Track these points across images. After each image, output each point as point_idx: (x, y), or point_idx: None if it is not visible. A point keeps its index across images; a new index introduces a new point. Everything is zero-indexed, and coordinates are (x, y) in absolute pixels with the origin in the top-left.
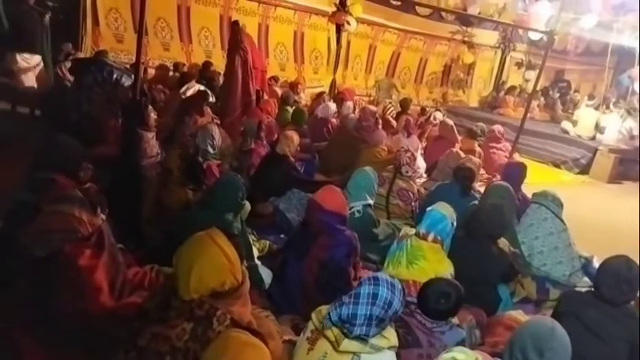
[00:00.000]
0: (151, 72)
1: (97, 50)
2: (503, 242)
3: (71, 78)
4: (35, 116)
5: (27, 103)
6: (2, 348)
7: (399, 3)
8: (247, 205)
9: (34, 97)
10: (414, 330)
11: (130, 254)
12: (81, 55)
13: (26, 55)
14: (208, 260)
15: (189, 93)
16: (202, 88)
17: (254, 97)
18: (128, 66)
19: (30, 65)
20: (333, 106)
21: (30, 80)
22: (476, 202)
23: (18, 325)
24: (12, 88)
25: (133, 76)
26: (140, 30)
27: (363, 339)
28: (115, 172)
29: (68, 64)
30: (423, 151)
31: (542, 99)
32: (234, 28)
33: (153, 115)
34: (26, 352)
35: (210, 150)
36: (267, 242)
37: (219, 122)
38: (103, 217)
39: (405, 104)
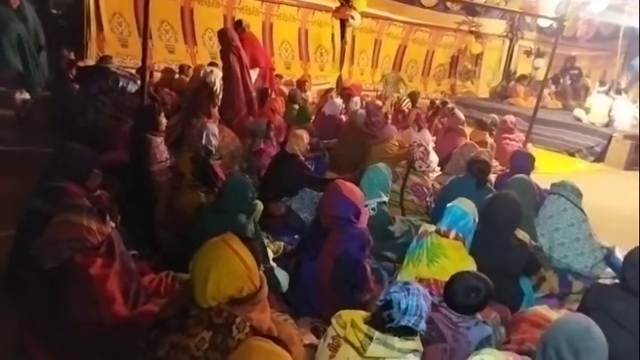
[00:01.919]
0: (157, 75)
1: (102, 55)
2: (523, 235)
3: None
4: (43, 123)
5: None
6: (15, 357)
7: None
8: (259, 206)
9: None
10: (438, 324)
11: (144, 261)
12: (88, 61)
13: None
14: (225, 266)
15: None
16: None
17: (254, 95)
18: (134, 70)
19: None
20: (339, 102)
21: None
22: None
23: (32, 335)
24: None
25: (138, 82)
26: (145, 34)
27: (388, 344)
28: (126, 178)
29: (72, 70)
30: (434, 145)
31: (553, 87)
32: (220, 31)
33: (163, 120)
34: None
35: (212, 150)
36: (282, 243)
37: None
38: (113, 225)
39: (413, 98)
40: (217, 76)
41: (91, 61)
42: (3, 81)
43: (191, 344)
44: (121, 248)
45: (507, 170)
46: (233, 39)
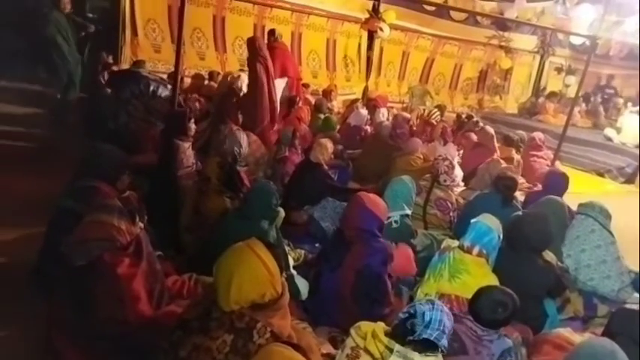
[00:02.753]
0: (187, 81)
1: (135, 60)
2: (550, 256)
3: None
4: (76, 123)
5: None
6: (43, 353)
7: (434, 8)
8: (281, 212)
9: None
10: (461, 336)
11: (168, 262)
12: (122, 65)
13: None
14: (248, 271)
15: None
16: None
17: (277, 105)
18: (165, 76)
19: None
20: (365, 112)
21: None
22: (519, 213)
23: (59, 331)
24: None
25: (169, 87)
26: (179, 41)
27: (408, 358)
28: (153, 180)
29: (105, 74)
30: (459, 160)
31: (583, 105)
32: (250, 39)
33: (192, 126)
34: (65, 356)
35: (238, 156)
36: (303, 251)
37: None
38: (142, 225)
39: (440, 111)
40: (244, 81)
41: (124, 66)
42: (40, 80)
43: (213, 346)
44: (148, 249)
45: (537, 188)
46: (261, 48)
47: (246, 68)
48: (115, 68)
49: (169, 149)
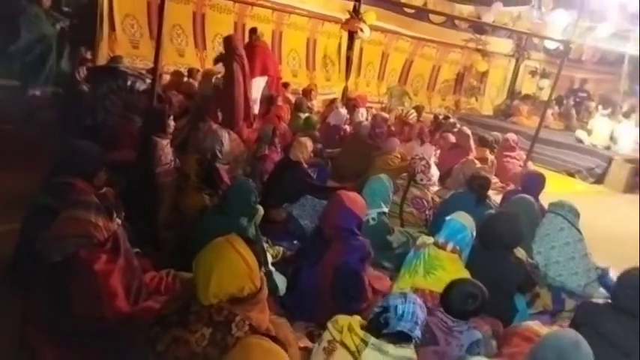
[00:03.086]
0: (166, 77)
1: (113, 56)
2: (521, 253)
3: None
4: (51, 120)
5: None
6: (18, 349)
7: (413, 11)
8: (260, 210)
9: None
10: (432, 327)
11: (146, 259)
12: (98, 61)
13: None
14: (227, 266)
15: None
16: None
17: (253, 103)
18: (144, 71)
19: None
20: (344, 112)
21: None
22: (492, 211)
23: (35, 328)
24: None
25: (147, 80)
26: (159, 37)
27: (382, 350)
28: (131, 177)
29: (83, 69)
30: (436, 160)
31: (556, 107)
32: (226, 37)
33: (171, 123)
34: (40, 352)
35: (219, 154)
36: (281, 249)
37: None
38: (119, 222)
39: (417, 112)
40: None
41: (102, 61)
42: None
43: (192, 339)
44: (125, 245)
45: (511, 188)
46: (237, 47)
47: None
48: (91, 64)
49: (147, 146)
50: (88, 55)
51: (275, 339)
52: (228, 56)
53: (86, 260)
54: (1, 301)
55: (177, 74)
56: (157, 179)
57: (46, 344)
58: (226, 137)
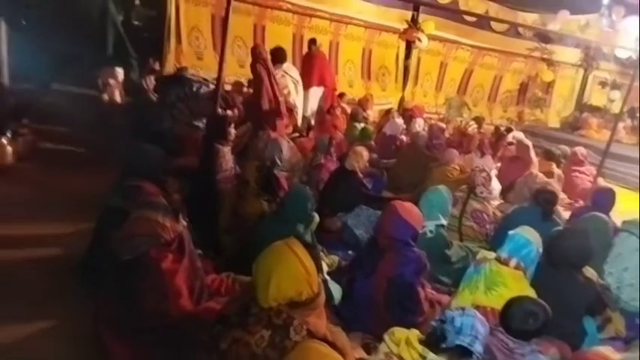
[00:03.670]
0: (227, 88)
1: (179, 67)
2: (590, 272)
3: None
4: (122, 127)
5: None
6: (91, 345)
7: (474, 19)
8: (316, 217)
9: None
10: (492, 349)
11: (208, 261)
12: (165, 72)
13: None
14: (287, 270)
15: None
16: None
17: (282, 106)
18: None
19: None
20: (400, 122)
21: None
22: (559, 228)
23: (106, 324)
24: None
25: (210, 85)
26: (223, 48)
27: None
28: (194, 183)
29: (151, 78)
30: (497, 172)
31: (629, 121)
32: (252, 48)
33: (232, 131)
34: (111, 347)
35: (279, 162)
36: (337, 258)
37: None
38: (185, 223)
39: (477, 123)
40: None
41: (169, 72)
42: (92, 84)
43: (251, 341)
44: (190, 246)
45: (580, 204)
46: (261, 53)
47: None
48: (159, 74)
49: (209, 153)
50: (156, 66)
51: (333, 345)
52: (254, 62)
53: (155, 259)
54: (74, 298)
55: (237, 84)
56: (218, 185)
57: (116, 341)
58: (286, 146)
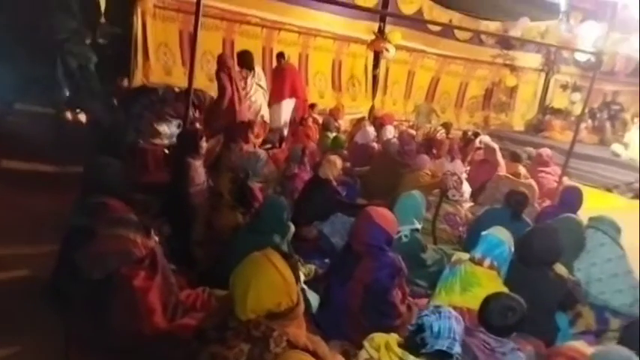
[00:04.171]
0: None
1: (146, 83)
2: (561, 269)
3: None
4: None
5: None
6: None
7: (439, 29)
8: (292, 227)
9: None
10: (474, 349)
11: (181, 276)
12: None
13: None
14: (265, 280)
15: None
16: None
17: (241, 115)
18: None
19: None
20: (371, 130)
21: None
22: (530, 227)
23: (77, 345)
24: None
25: (176, 89)
26: (192, 62)
27: None
28: (165, 198)
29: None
30: (467, 176)
31: (589, 121)
32: (218, 56)
33: (204, 144)
34: None
35: (258, 174)
36: (313, 267)
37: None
38: (156, 239)
39: (446, 129)
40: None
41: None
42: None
43: (230, 355)
44: (163, 262)
45: (551, 204)
46: (226, 61)
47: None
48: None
49: (181, 167)
50: (125, 83)
51: (314, 354)
52: (218, 70)
53: (126, 276)
54: (42, 318)
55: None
56: (191, 199)
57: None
58: (264, 156)
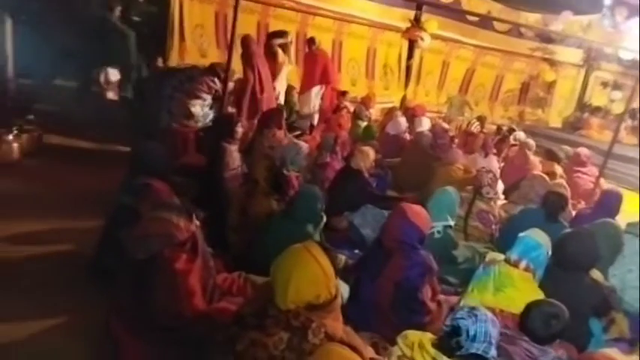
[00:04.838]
0: (230, 85)
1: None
2: (597, 274)
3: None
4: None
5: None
6: (102, 339)
7: (477, 19)
8: (324, 218)
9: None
10: (515, 358)
11: (218, 260)
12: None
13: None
14: (305, 273)
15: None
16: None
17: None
18: None
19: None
20: (403, 121)
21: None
22: (567, 230)
23: (118, 319)
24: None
25: (201, 68)
26: (231, 45)
27: None
28: (201, 182)
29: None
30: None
31: (629, 121)
32: (243, 37)
33: (239, 129)
34: (122, 343)
35: (296, 164)
36: (343, 257)
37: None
38: (198, 223)
39: (480, 122)
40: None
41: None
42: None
43: (269, 342)
44: (203, 246)
45: (588, 206)
46: (250, 45)
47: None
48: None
49: (217, 151)
50: (160, 63)
51: (350, 346)
52: (243, 54)
53: (168, 259)
54: (84, 294)
55: (240, 82)
56: (226, 184)
57: (128, 336)
58: (305, 149)
